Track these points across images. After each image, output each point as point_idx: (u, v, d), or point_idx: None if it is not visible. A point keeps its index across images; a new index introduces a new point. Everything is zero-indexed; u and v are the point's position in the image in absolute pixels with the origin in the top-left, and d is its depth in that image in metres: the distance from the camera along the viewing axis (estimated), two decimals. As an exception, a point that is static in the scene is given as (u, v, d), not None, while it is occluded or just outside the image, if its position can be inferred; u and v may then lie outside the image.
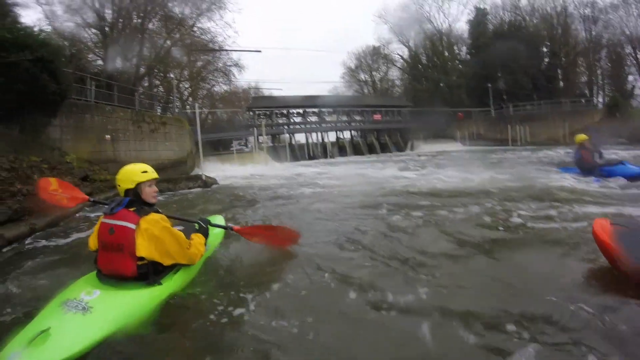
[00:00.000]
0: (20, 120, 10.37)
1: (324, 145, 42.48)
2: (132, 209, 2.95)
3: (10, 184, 7.00)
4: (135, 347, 2.52)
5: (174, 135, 19.98)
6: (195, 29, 32.09)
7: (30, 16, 29.04)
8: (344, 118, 45.22)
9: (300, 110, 43.90)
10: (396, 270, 3.78)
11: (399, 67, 61.08)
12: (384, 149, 43.15)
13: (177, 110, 29.25)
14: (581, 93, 44.47)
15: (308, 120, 44.15)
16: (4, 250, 5.26)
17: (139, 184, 3.07)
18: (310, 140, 42.66)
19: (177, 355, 2.52)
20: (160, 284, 2.97)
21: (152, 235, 2.90)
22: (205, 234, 3.60)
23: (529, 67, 44.68)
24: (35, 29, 11.62)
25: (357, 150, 41.82)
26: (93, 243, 3.05)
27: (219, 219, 4.59)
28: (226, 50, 34.51)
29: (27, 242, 5.71)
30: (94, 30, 26.58)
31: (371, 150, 42.24)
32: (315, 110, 44.37)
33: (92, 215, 7.74)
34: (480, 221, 5.50)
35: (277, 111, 42.24)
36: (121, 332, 2.51)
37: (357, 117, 45.82)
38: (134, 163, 3.23)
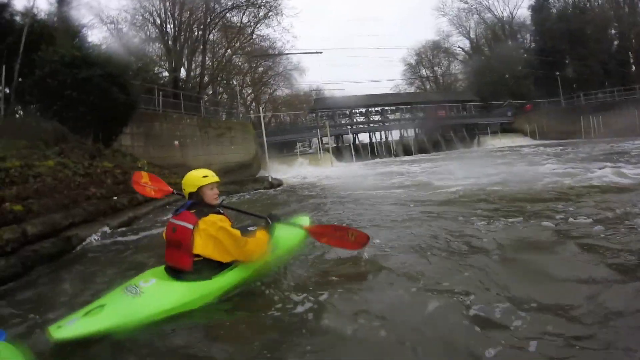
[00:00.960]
0: (93, 130, 10.79)
1: (387, 144, 41.70)
2: (192, 211, 3.17)
3: (85, 188, 7.17)
4: (172, 335, 2.63)
5: (239, 139, 20.26)
6: (254, 36, 32.64)
7: (97, 35, 30.71)
8: (407, 115, 44.03)
9: (363, 110, 43.37)
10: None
11: (460, 61, 58.99)
12: (450, 145, 41.37)
13: (241, 115, 29.81)
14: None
15: (371, 119, 43.51)
16: (79, 248, 5.33)
17: (200, 188, 3.27)
18: (374, 140, 41.99)
19: (207, 348, 2.51)
20: (210, 279, 3.10)
21: (209, 235, 3.08)
22: (271, 231, 3.67)
23: (598, 51, 41.57)
24: (103, 47, 12.09)
25: (422, 148, 40.33)
26: None
27: (304, 220, 4.51)
28: (287, 54, 34.82)
29: (100, 240, 5.76)
30: (157, 45, 27.75)
31: (436, 147, 40.59)
32: (378, 109, 43.65)
33: (162, 218, 7.78)
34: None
35: (339, 112, 41.90)
36: (163, 318, 2.73)
37: (421, 114, 44.40)
38: (198, 168, 3.46)
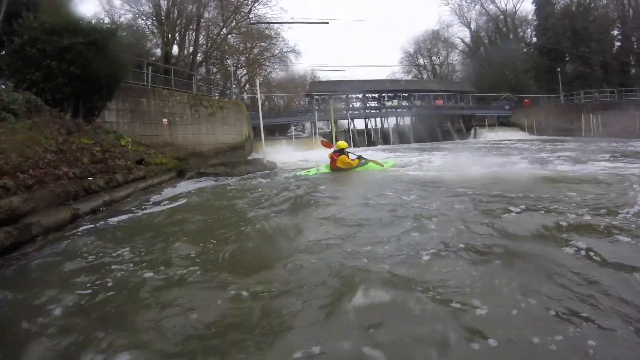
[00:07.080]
0: (73, 104, 9.90)
1: (383, 131, 40.94)
2: (340, 154, 11.61)
3: (55, 166, 6.35)
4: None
5: (232, 120, 19.40)
6: (251, 15, 31.48)
7: (88, 8, 29.62)
8: (404, 103, 43.16)
9: (360, 95, 42.41)
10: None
11: (460, 51, 58.04)
12: (446, 136, 41.11)
13: (234, 96, 28.86)
14: (655, 81, 39.98)
15: (367, 105, 42.60)
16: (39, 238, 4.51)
17: (343, 148, 11.79)
18: (370, 126, 41.17)
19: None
20: (344, 170, 11.33)
21: (342, 160, 11.48)
22: (361, 161, 12.06)
23: (599, 51, 41.35)
24: (93, 20, 11.11)
25: (418, 137, 39.41)
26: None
27: (388, 162, 13.17)
28: (292, 22, 33.67)
29: (74, 228, 5.00)
30: (150, 21, 26.66)
31: (432, 137, 39.93)
32: (375, 95, 42.73)
33: (143, 200, 7.06)
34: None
35: (335, 96, 40.81)
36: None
37: (418, 102, 43.53)
38: (341, 141, 12.73)
